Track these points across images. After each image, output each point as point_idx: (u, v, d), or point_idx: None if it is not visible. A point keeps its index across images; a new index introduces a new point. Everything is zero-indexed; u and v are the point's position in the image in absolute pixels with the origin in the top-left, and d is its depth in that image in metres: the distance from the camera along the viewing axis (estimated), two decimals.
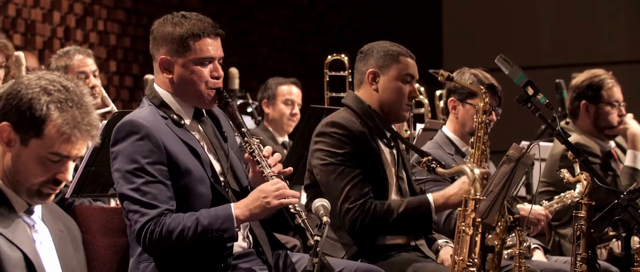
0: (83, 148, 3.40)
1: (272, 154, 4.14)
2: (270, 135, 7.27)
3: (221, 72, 4.19)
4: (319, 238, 3.77)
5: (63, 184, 3.43)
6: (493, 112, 5.28)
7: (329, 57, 7.31)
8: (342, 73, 7.30)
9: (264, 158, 4.09)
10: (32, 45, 8.74)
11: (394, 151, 4.77)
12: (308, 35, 11.70)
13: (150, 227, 3.94)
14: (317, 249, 3.74)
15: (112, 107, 6.34)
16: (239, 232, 4.05)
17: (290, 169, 4.18)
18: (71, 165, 3.41)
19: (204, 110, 4.26)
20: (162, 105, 4.15)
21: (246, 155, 4.14)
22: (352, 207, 4.52)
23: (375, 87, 4.71)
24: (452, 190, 4.58)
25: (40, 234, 3.46)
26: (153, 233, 3.93)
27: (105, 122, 4.65)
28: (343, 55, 7.27)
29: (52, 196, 3.44)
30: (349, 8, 12.18)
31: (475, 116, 4.97)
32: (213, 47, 4.16)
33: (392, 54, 4.71)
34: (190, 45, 4.11)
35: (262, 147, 4.13)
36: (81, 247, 3.60)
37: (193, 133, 4.17)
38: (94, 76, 6.26)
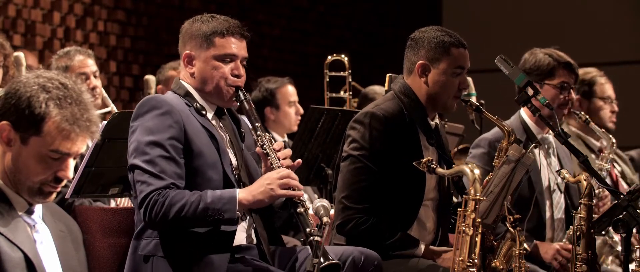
0: (83, 145, 3.40)
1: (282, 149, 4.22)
2: (270, 136, 7.22)
3: (242, 72, 4.28)
4: (319, 238, 3.76)
5: (64, 182, 3.42)
6: (571, 90, 5.22)
7: (329, 57, 7.30)
8: (342, 73, 7.29)
9: (274, 151, 4.18)
10: (32, 46, 8.72)
11: (436, 148, 4.67)
12: (308, 35, 11.69)
13: (153, 197, 3.98)
14: (318, 249, 3.74)
15: (112, 107, 6.33)
16: (240, 218, 4.08)
17: (299, 161, 4.25)
18: (71, 162, 3.41)
19: (225, 110, 4.33)
20: (186, 94, 4.25)
21: (258, 149, 4.22)
22: (349, 207, 4.50)
23: (424, 80, 4.62)
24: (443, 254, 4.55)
25: (41, 234, 3.45)
26: (156, 203, 3.97)
27: (105, 122, 4.65)
28: (343, 56, 7.27)
29: (54, 195, 3.44)
30: (349, 8, 12.17)
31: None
32: (236, 46, 4.26)
33: (444, 46, 4.59)
34: (214, 41, 4.23)
35: (273, 141, 4.22)
36: (82, 247, 3.59)
37: (213, 124, 4.25)
38: (95, 77, 6.26)
